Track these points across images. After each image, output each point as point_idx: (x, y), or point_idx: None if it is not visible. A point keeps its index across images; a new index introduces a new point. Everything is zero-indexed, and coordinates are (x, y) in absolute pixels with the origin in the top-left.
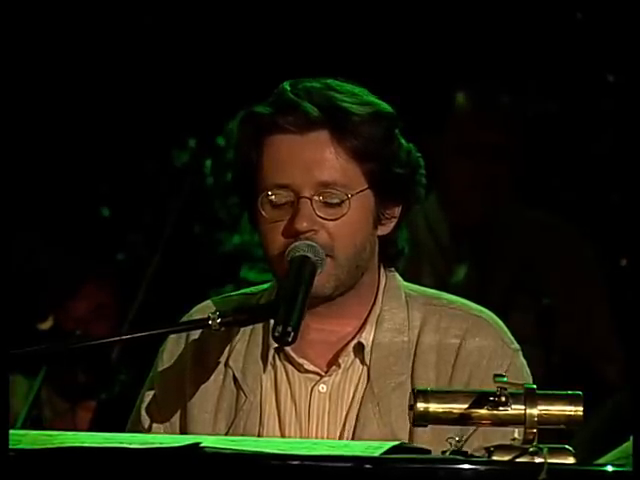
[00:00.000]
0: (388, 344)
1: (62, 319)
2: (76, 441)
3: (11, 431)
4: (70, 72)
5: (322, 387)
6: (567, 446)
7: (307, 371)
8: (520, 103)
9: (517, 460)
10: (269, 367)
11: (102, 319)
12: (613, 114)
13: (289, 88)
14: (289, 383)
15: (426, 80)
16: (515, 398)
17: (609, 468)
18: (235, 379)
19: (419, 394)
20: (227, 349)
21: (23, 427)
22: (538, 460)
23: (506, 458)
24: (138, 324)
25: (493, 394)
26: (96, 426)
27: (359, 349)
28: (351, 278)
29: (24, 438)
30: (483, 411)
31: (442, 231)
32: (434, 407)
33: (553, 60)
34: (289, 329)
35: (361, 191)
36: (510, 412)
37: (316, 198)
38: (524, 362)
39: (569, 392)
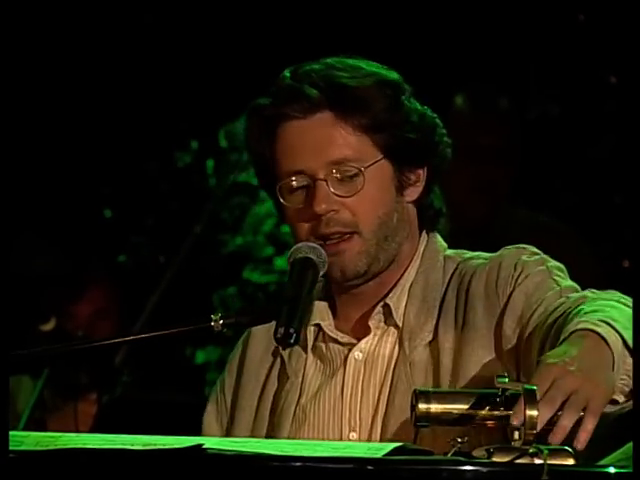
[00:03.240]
0: (419, 305)
1: (64, 321)
2: (79, 443)
3: (13, 432)
4: (71, 73)
5: (357, 354)
6: (567, 447)
7: (342, 343)
8: (519, 105)
9: (517, 461)
10: (309, 348)
11: (104, 321)
12: (615, 116)
13: (289, 75)
14: (329, 356)
15: (425, 82)
16: (516, 399)
17: (611, 470)
18: (283, 363)
19: (420, 395)
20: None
21: (25, 428)
22: (538, 461)
23: (506, 459)
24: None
25: (494, 395)
26: (99, 427)
27: (389, 312)
28: (384, 251)
29: (26, 439)
30: (484, 412)
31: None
32: (435, 407)
33: (554, 62)
34: (291, 331)
35: (375, 162)
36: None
37: (331, 177)
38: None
39: None
